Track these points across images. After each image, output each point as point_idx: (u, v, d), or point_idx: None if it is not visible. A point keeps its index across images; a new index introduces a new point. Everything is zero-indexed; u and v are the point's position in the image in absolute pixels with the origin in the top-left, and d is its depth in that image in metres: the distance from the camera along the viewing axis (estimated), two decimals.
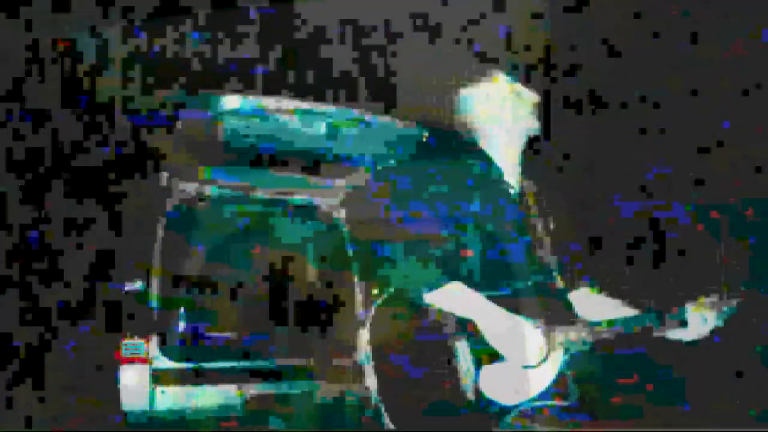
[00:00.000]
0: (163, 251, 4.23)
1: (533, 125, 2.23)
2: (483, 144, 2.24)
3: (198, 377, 4.11)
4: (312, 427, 4.17)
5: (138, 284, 4.13)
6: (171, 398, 4.02)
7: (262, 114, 3.94)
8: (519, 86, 2.21)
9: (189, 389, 4.08)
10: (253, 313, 4.52)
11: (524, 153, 2.25)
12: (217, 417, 4.10)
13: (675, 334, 2.14)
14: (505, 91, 2.20)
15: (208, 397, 4.11)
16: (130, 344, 3.97)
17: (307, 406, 4.18)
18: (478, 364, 2.00)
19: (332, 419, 4.14)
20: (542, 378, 2.05)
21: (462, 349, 2.01)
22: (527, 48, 3.35)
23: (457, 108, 2.28)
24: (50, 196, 4.18)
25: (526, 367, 2.03)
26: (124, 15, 3.14)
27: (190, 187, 4.44)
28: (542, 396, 2.04)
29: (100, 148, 4.28)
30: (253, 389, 4.18)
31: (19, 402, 3.75)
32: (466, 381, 1.99)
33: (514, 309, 2.06)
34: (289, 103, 3.98)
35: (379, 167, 4.38)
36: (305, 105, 3.99)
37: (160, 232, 4.26)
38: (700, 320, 2.10)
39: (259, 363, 4.28)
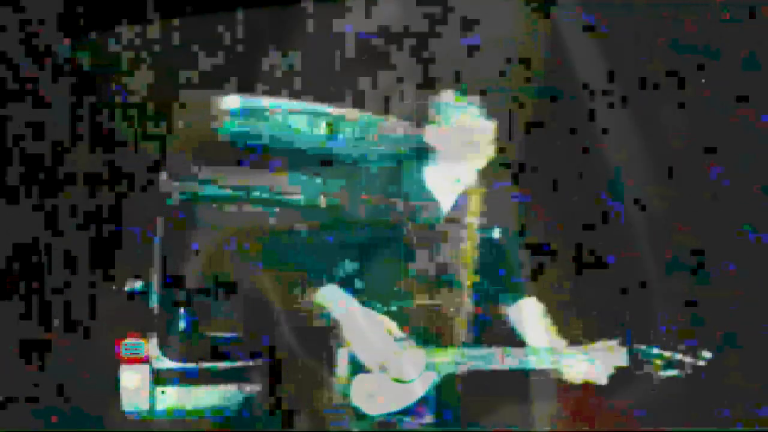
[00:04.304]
0: (164, 251, 4.24)
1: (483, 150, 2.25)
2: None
3: (198, 377, 4.11)
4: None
5: (138, 284, 4.14)
6: (171, 398, 4.03)
7: (262, 114, 3.95)
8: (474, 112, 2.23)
9: (189, 389, 4.09)
10: (252, 313, 4.52)
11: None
12: (217, 417, 4.10)
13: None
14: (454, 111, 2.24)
15: (208, 397, 4.12)
16: (130, 344, 3.98)
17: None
18: (357, 371, 2.11)
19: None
20: (408, 394, 2.13)
21: (343, 354, 2.13)
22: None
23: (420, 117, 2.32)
24: (50, 195, 4.17)
25: (396, 381, 2.11)
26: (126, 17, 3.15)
27: (190, 187, 4.45)
28: (401, 412, 2.13)
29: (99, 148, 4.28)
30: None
31: (18, 401, 3.75)
32: (342, 383, 2.11)
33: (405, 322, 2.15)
34: (288, 104, 3.98)
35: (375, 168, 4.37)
36: (305, 105, 3.99)
37: (160, 232, 4.27)
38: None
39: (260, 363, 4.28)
